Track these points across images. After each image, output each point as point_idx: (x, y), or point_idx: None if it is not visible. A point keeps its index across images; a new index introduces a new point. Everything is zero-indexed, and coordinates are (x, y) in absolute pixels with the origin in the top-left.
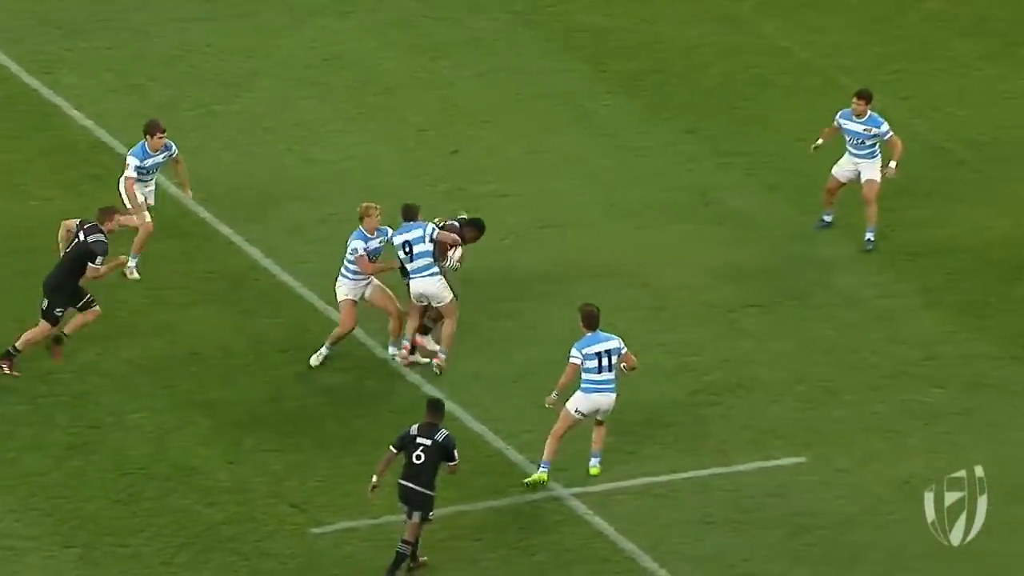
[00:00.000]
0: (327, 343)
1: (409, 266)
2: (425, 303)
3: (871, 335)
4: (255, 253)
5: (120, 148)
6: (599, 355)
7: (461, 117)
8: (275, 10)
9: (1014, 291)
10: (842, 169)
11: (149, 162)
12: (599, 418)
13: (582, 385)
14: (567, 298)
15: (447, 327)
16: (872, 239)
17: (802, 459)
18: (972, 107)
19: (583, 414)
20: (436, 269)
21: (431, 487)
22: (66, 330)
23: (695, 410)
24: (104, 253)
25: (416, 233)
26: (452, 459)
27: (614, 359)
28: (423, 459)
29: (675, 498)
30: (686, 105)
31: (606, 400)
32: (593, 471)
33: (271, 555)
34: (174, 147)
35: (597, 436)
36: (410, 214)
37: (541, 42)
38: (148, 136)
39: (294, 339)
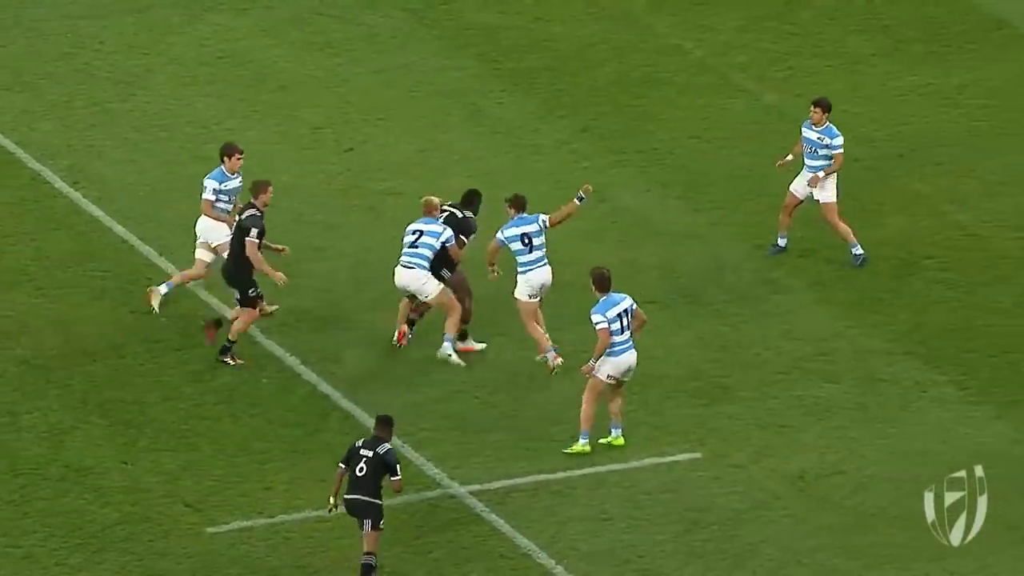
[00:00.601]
0: (450, 335)
1: (528, 257)
2: (540, 296)
3: (765, 331)
4: (149, 252)
5: (11, 146)
6: (619, 316)
7: (356, 115)
8: (167, 7)
9: (907, 287)
10: (798, 185)
11: (228, 185)
12: (626, 379)
13: (609, 350)
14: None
15: (535, 325)
16: (859, 253)
17: (697, 455)
18: (865, 104)
19: (615, 378)
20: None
21: (376, 496)
22: (230, 336)
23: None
24: (257, 226)
25: (534, 227)
26: (394, 473)
27: (630, 317)
28: (364, 471)
29: (571, 495)
30: (580, 103)
31: (633, 357)
32: (617, 442)
33: (166, 555)
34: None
35: (615, 407)
36: (523, 205)
37: (435, 40)
38: (225, 158)
39: (189, 338)
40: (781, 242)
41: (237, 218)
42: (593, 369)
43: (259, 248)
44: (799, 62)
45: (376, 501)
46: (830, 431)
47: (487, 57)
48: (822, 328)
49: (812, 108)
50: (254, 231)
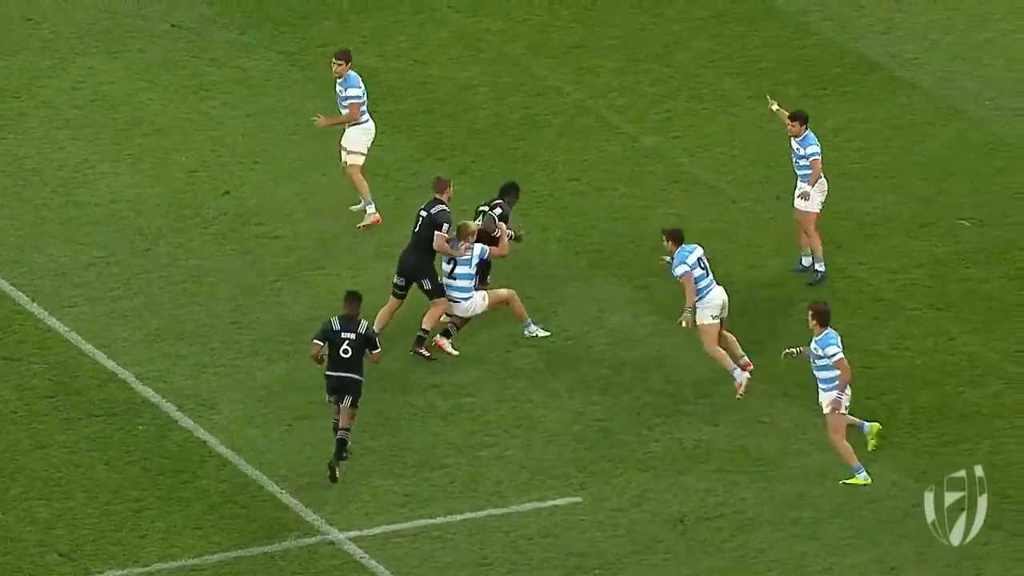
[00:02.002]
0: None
1: (705, 281)
2: (723, 316)
3: (645, 374)
4: (20, 297)
5: None
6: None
7: (232, 158)
8: (38, 51)
9: (785, 329)
10: (798, 200)
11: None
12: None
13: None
14: None
15: None
16: (820, 270)
17: (578, 499)
18: (742, 146)
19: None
20: None
21: (360, 372)
22: (424, 326)
23: (471, 451)
24: (448, 221)
25: (699, 249)
26: (375, 347)
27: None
28: (350, 352)
29: (452, 540)
30: (459, 146)
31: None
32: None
33: None
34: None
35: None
36: (682, 238)
37: (312, 82)
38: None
39: (61, 385)
40: (806, 262)
41: (421, 214)
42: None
43: (447, 241)
44: (677, 104)
45: (360, 378)
46: (711, 474)
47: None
48: (702, 371)
49: (789, 122)
50: (445, 226)
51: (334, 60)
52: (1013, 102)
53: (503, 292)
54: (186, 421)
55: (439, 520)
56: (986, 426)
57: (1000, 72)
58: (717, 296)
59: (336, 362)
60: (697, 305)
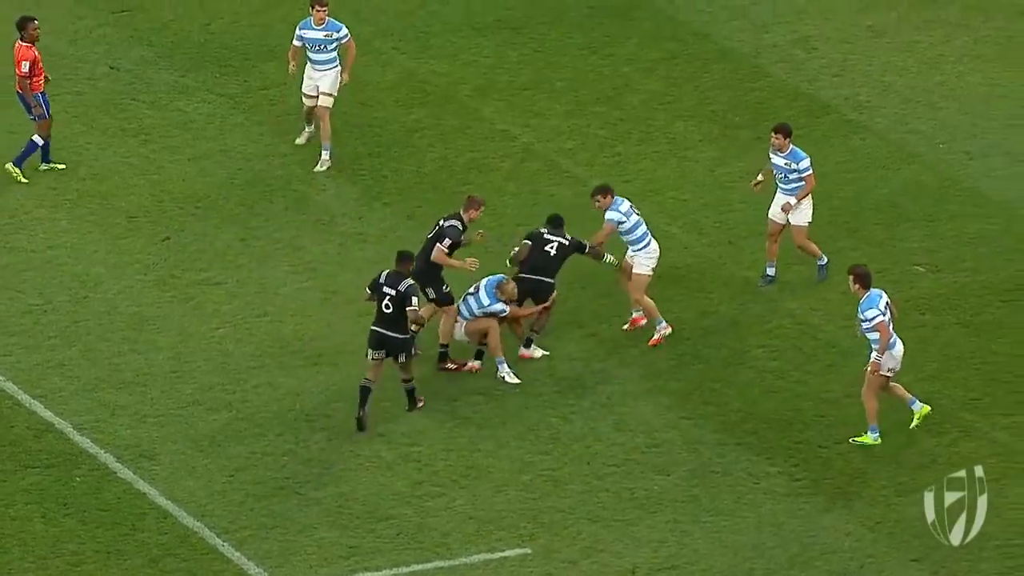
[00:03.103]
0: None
1: (643, 230)
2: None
3: (595, 423)
4: None
5: None
6: (887, 306)
7: (172, 203)
8: None
9: (738, 376)
10: (774, 211)
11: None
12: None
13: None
14: (284, 390)
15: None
16: (823, 266)
17: (527, 550)
18: (693, 190)
19: (893, 371)
20: None
21: (404, 331)
22: (442, 340)
23: (418, 502)
24: (452, 237)
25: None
26: (410, 304)
27: (892, 308)
28: (391, 308)
29: None
30: (405, 189)
31: (902, 346)
32: (925, 411)
33: None
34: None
35: (897, 392)
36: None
37: (254, 125)
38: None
39: None
40: (770, 271)
41: (442, 222)
42: (880, 366)
43: (447, 254)
44: (627, 148)
45: (404, 336)
46: (662, 524)
47: (310, 143)
48: (653, 419)
49: (773, 135)
50: (447, 240)
51: (318, 7)
52: (967, 145)
53: (485, 322)
54: (125, 472)
55: (385, 573)
56: (942, 475)
57: (954, 115)
58: (655, 249)
59: (378, 316)
60: (638, 253)
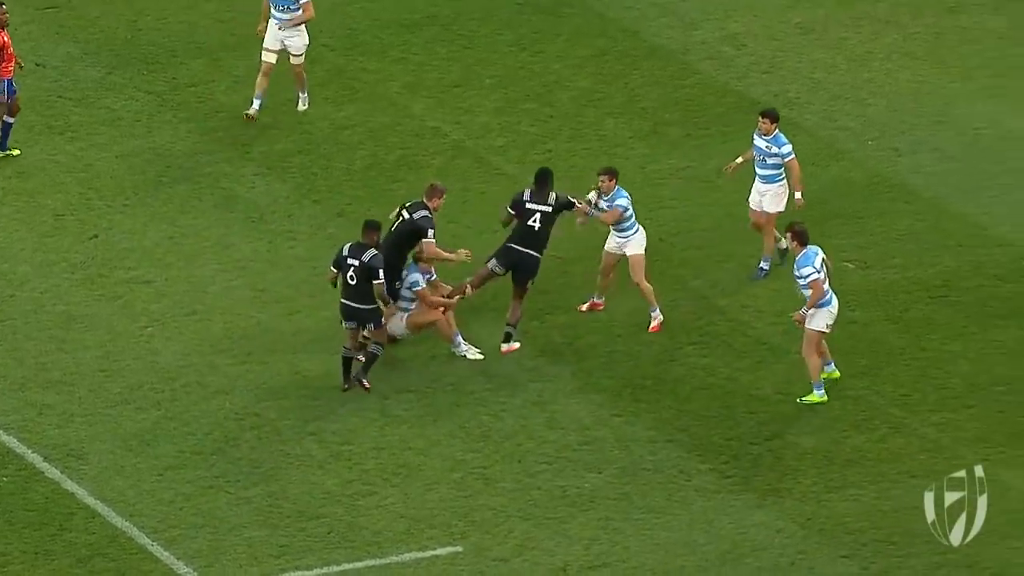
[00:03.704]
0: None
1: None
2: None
3: (527, 420)
4: None
5: None
6: (823, 264)
7: (100, 201)
8: None
9: (669, 373)
10: (753, 199)
11: None
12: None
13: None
14: (213, 389)
15: None
16: (766, 268)
17: (458, 549)
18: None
19: (830, 326)
20: None
21: (371, 301)
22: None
23: (349, 500)
24: (433, 226)
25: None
26: (376, 278)
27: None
28: (356, 279)
29: None
30: (335, 187)
31: (837, 303)
32: (834, 375)
33: None
34: None
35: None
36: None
37: (183, 123)
38: None
39: None
40: (765, 266)
41: (406, 214)
42: (805, 319)
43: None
44: (558, 145)
45: (371, 306)
46: (594, 522)
47: (238, 140)
48: (585, 416)
49: (760, 119)
50: (431, 232)
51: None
52: (896, 142)
53: (430, 316)
54: (53, 472)
55: (316, 572)
56: (872, 471)
57: (883, 112)
58: (644, 233)
59: (344, 289)
60: (633, 238)
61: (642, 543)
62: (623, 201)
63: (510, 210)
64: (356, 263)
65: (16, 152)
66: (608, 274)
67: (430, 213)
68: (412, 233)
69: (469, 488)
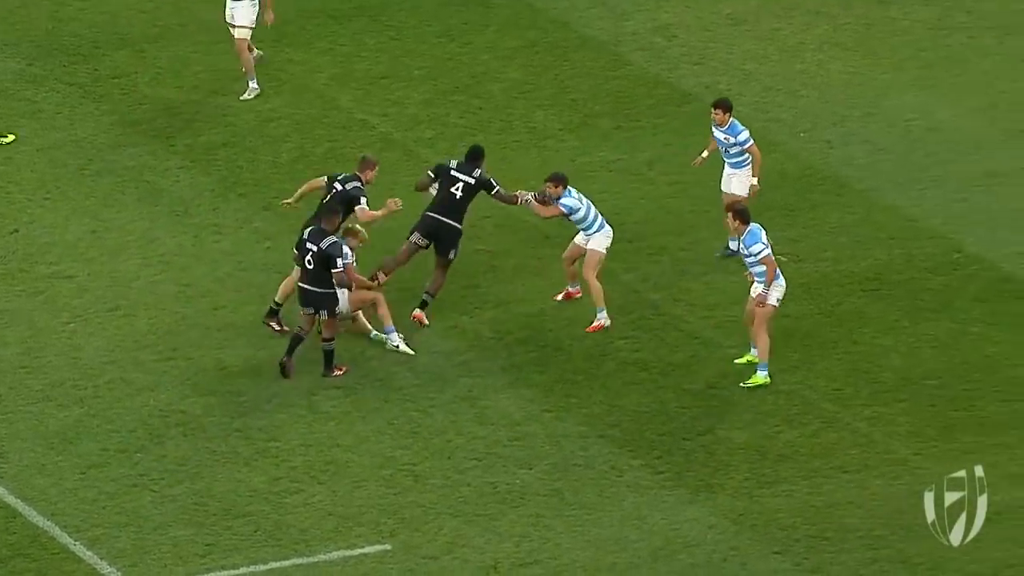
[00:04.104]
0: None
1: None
2: None
3: (457, 416)
4: None
5: None
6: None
7: (21, 195)
8: None
9: (600, 368)
10: (723, 182)
11: None
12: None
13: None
14: (137, 385)
15: None
16: (734, 248)
17: (387, 547)
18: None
19: (780, 300)
20: None
21: (327, 286)
22: (278, 297)
23: (276, 498)
24: (364, 195)
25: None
26: (335, 266)
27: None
28: (313, 264)
29: None
30: (262, 180)
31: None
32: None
33: None
34: None
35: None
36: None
37: (106, 115)
38: None
39: None
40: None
41: (338, 186)
42: (767, 298)
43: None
44: (487, 137)
45: (327, 291)
46: (525, 519)
47: (162, 133)
48: (515, 412)
49: (713, 110)
50: (364, 199)
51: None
52: (828, 134)
53: (369, 293)
54: None
55: (242, 571)
56: (805, 466)
57: (815, 104)
58: (610, 231)
59: (302, 273)
60: (595, 235)
61: (573, 540)
62: (567, 201)
63: (431, 174)
64: (315, 248)
65: (10, 138)
66: (571, 263)
67: (362, 184)
68: (346, 203)
69: (398, 485)
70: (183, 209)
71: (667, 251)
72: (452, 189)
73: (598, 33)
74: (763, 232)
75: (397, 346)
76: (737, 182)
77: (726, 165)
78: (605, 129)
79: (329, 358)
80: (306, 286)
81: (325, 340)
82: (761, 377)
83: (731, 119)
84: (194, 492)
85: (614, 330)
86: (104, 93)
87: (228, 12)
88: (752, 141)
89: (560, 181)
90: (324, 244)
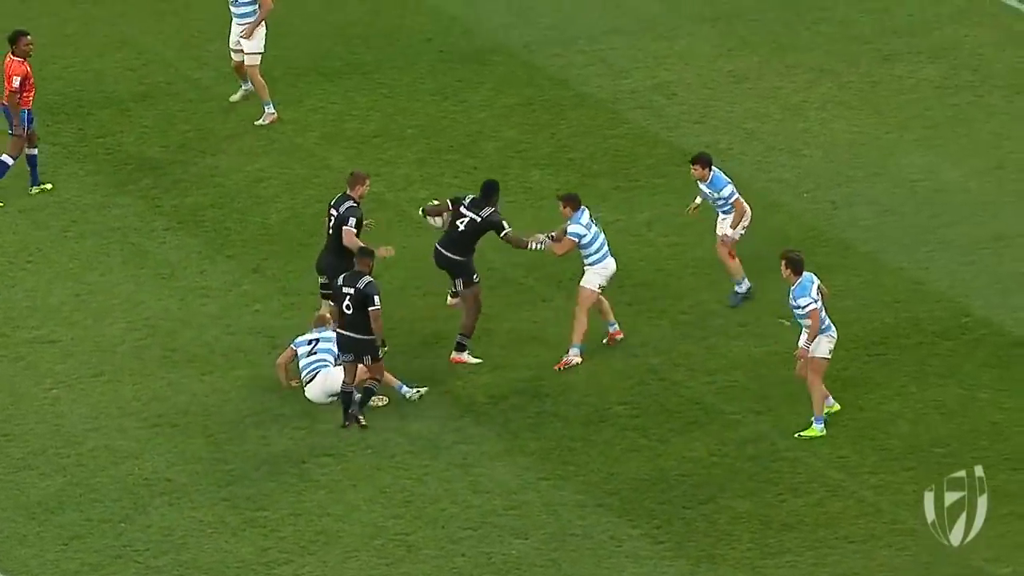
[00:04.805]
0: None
1: (600, 242)
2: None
3: (451, 484)
4: None
5: None
6: (820, 291)
7: (2, 257)
8: None
9: (599, 435)
10: (717, 229)
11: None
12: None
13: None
14: (122, 453)
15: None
16: (740, 292)
17: None
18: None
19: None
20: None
21: (368, 332)
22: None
23: (265, 570)
24: (356, 216)
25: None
26: (372, 304)
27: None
28: (352, 309)
29: None
30: (250, 242)
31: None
32: (834, 408)
33: None
34: None
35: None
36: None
37: (90, 176)
38: None
39: None
40: (740, 289)
41: (335, 212)
42: (808, 352)
43: (357, 236)
44: None
45: (363, 337)
46: None
47: (149, 193)
48: (511, 480)
49: (692, 167)
50: (352, 220)
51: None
52: (832, 195)
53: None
54: None
55: None
56: (809, 536)
57: (819, 163)
58: (609, 267)
59: (340, 319)
60: (591, 267)
61: None
62: (573, 229)
63: (448, 202)
64: (351, 291)
65: (50, 186)
66: (598, 304)
67: (355, 202)
68: (341, 221)
69: (390, 556)
70: (169, 272)
71: (667, 314)
72: (458, 222)
73: (596, 91)
74: (815, 284)
75: (409, 396)
76: (722, 226)
77: (718, 213)
78: (603, 189)
79: (368, 398)
80: (346, 332)
81: (371, 379)
82: (817, 430)
83: (712, 173)
84: (180, 563)
85: (612, 395)
86: (89, 153)
87: (233, 39)
88: (737, 195)
89: (570, 202)
90: (361, 284)
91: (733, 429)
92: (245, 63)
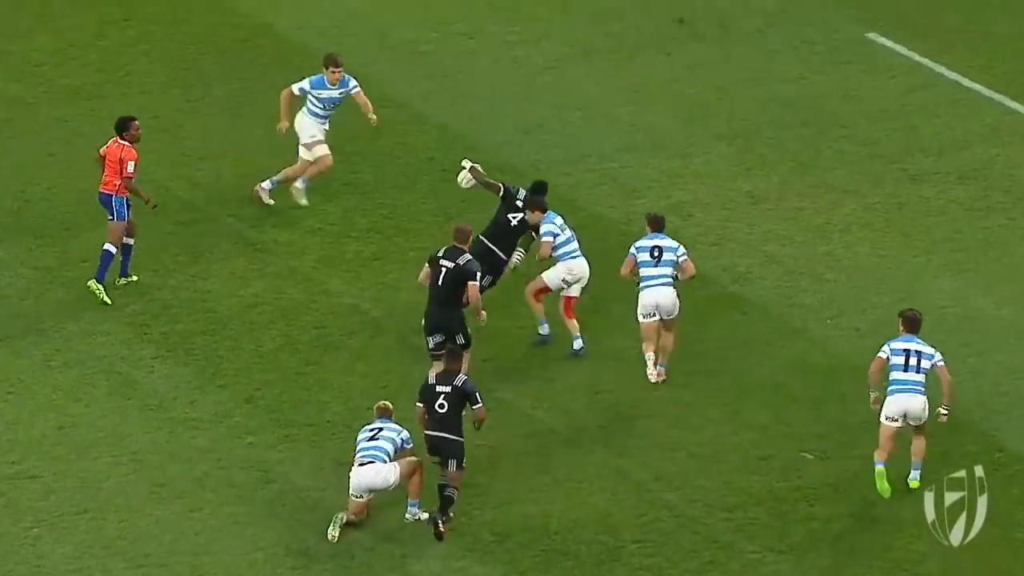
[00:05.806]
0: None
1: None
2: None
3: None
4: None
5: None
6: (906, 352)
7: None
8: None
9: (611, 574)
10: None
11: (322, 94)
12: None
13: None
14: None
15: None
16: (542, 334)
17: None
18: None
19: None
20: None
21: (458, 433)
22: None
23: None
24: (480, 270)
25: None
26: (475, 402)
27: (920, 359)
28: (446, 407)
29: None
30: (243, 370)
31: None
32: (914, 484)
33: None
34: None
35: (917, 447)
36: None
37: (75, 301)
38: (325, 69)
39: None
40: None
41: (447, 264)
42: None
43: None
44: (491, 322)
45: (459, 439)
46: None
47: (136, 320)
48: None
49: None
50: (478, 275)
51: (333, 68)
52: (856, 321)
53: (413, 460)
54: None
55: None
56: None
57: (842, 288)
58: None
59: (432, 419)
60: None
61: None
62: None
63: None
64: (447, 389)
65: (135, 278)
66: (656, 335)
67: (472, 256)
68: (463, 278)
69: None
70: (157, 402)
71: (682, 447)
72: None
73: (608, 211)
74: (903, 343)
75: (419, 518)
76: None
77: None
78: (616, 316)
79: (448, 505)
80: (435, 433)
81: (451, 487)
82: (878, 469)
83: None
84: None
85: (625, 533)
86: (73, 277)
87: (314, 133)
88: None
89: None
90: (459, 382)
91: (753, 569)
92: (324, 155)
